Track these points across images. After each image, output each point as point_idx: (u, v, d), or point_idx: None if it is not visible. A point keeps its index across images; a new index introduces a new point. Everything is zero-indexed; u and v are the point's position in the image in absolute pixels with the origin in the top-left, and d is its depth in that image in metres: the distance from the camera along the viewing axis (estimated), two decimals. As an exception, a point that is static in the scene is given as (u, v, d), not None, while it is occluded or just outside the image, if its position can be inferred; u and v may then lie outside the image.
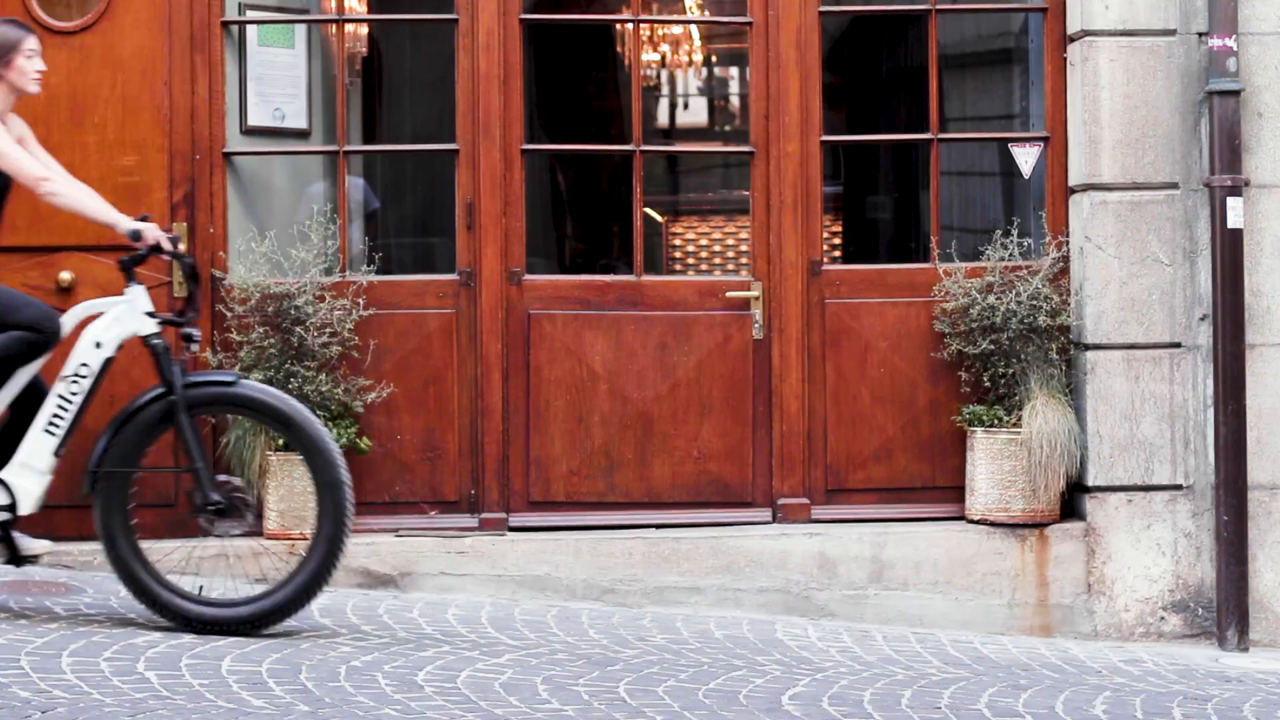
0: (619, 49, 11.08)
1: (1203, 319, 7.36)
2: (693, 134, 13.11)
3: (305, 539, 7.04)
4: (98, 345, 6.13)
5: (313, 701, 5.04)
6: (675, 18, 10.93)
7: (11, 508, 6.06)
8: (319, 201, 7.68)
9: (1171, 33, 7.37)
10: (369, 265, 7.34)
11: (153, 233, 6.22)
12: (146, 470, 6.27)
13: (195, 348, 6.26)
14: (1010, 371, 7.31)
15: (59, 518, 7.23)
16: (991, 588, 7.31)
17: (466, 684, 5.42)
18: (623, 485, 7.40)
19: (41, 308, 6.23)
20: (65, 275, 7.23)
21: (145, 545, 6.14)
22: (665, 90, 12.77)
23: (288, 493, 7.05)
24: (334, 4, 7.86)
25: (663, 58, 11.62)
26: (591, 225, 11.33)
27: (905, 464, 7.49)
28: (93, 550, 7.08)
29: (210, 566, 7.03)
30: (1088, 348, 7.37)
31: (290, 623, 6.19)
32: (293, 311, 7.13)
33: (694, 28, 11.52)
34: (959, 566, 7.30)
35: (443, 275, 7.47)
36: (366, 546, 7.14)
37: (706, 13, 10.76)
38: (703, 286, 7.63)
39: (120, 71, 7.28)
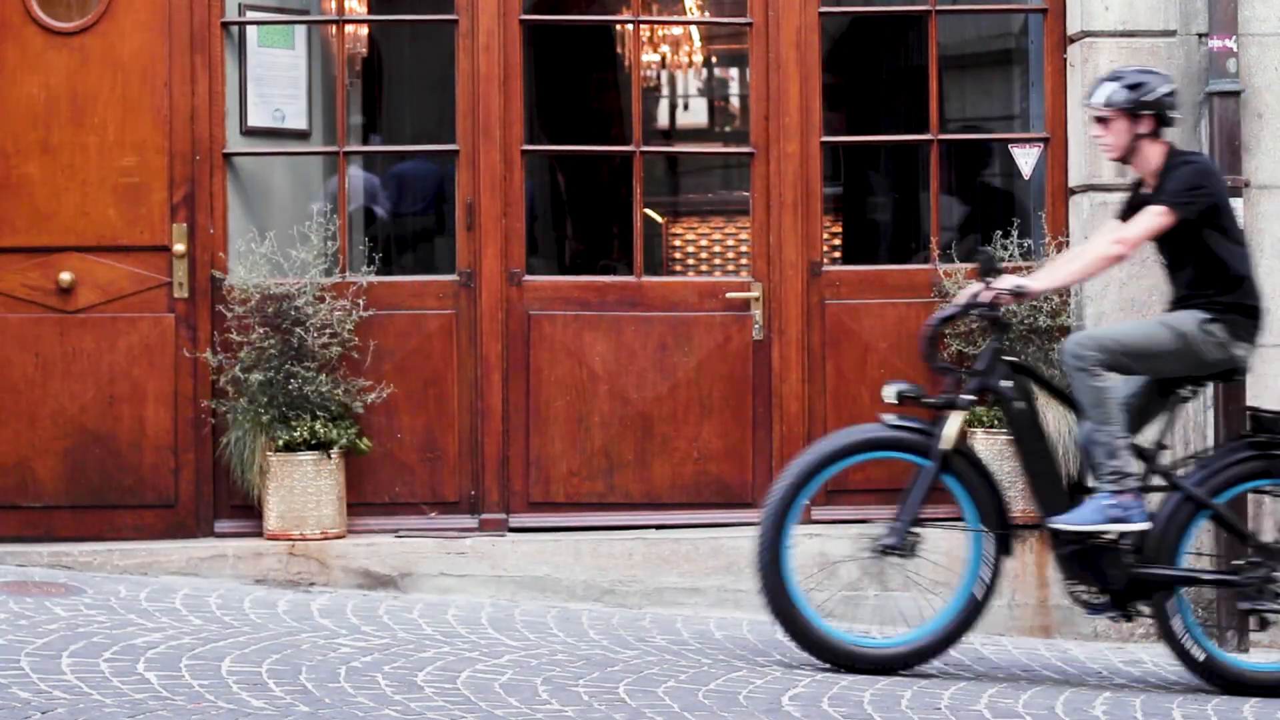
0: (619, 50, 11.07)
1: (1203, 320, 7.35)
2: (693, 135, 13.08)
3: (305, 539, 7.06)
4: None
5: (312, 702, 5.03)
6: (675, 18, 10.92)
7: None
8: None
9: (1171, 34, 7.36)
10: (369, 266, 7.33)
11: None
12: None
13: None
14: (1010, 372, 7.30)
15: (58, 518, 7.24)
16: (991, 588, 7.29)
17: (466, 685, 5.42)
18: (623, 486, 7.39)
19: None
20: (65, 276, 7.22)
21: None
22: (665, 91, 12.74)
23: (288, 493, 7.04)
24: (334, 5, 7.86)
25: (663, 58, 11.60)
26: (591, 226, 11.31)
27: (906, 465, 7.46)
28: (92, 551, 7.09)
29: (209, 568, 7.04)
30: (1088, 348, 7.36)
31: (290, 622, 6.19)
32: (293, 312, 7.13)
33: (694, 28, 11.51)
34: (959, 567, 7.28)
35: (443, 276, 7.47)
36: (366, 547, 7.14)
37: (706, 13, 10.75)
38: (703, 287, 7.63)
39: (120, 72, 7.28)
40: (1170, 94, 6.20)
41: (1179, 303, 6.23)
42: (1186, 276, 6.19)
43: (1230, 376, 6.29)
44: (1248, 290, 6.14)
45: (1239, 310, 6.11)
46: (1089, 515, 6.05)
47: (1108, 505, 6.03)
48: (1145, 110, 6.12)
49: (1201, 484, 6.16)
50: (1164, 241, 6.20)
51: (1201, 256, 6.14)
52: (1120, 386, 6.15)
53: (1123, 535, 6.05)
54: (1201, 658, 6.15)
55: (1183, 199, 6.06)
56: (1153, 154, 6.17)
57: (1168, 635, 6.16)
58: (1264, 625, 6.31)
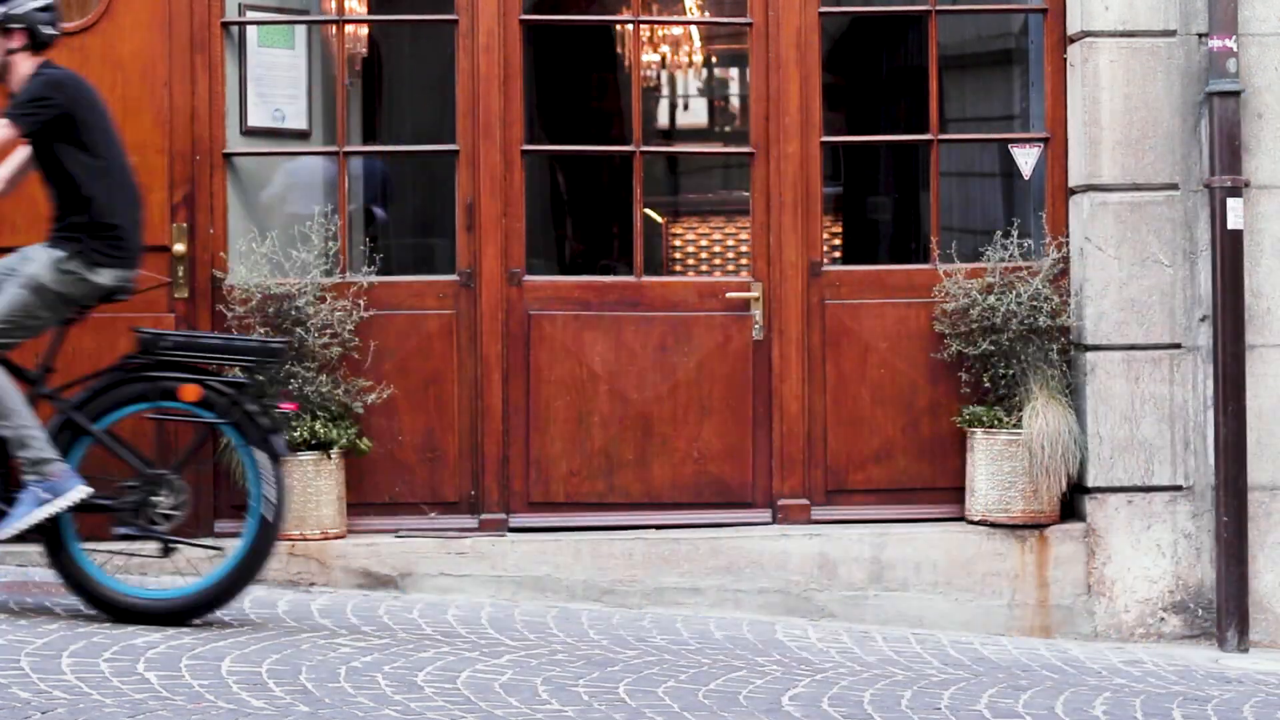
0: (619, 50, 11.07)
1: (1203, 320, 7.36)
2: (693, 135, 13.08)
3: (305, 539, 7.07)
4: None
5: (312, 702, 5.03)
6: (675, 19, 10.92)
7: None
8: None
9: (1171, 33, 7.37)
10: (369, 266, 7.33)
11: None
12: None
13: None
14: (1010, 372, 7.31)
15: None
16: (991, 588, 7.31)
17: (466, 685, 5.42)
18: (623, 486, 7.39)
19: None
20: (65, 276, 7.21)
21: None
22: (665, 91, 12.74)
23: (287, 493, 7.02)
24: (334, 4, 7.86)
25: (663, 58, 11.60)
26: (591, 226, 11.31)
27: (905, 465, 7.48)
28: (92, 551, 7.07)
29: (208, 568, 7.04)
30: (1088, 349, 7.37)
31: (290, 622, 6.19)
32: (293, 312, 7.13)
33: (694, 29, 11.51)
34: (959, 567, 7.30)
35: (443, 276, 7.47)
36: (367, 547, 7.14)
37: (706, 13, 10.75)
38: (703, 287, 7.63)
39: (120, 72, 7.28)
40: (44, 9, 6.13)
41: (53, 229, 6.13)
42: (54, 197, 6.13)
43: (112, 298, 6.18)
44: (100, 210, 6.05)
45: (94, 233, 6.04)
46: (25, 511, 5.98)
47: (40, 493, 5.96)
48: (15, 24, 6.08)
49: (81, 408, 6.08)
50: (38, 162, 6.13)
51: (60, 175, 6.07)
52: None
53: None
54: (90, 585, 6.08)
55: (23, 110, 5.99)
56: (24, 70, 6.11)
57: (55, 563, 6.09)
58: (167, 552, 6.15)
